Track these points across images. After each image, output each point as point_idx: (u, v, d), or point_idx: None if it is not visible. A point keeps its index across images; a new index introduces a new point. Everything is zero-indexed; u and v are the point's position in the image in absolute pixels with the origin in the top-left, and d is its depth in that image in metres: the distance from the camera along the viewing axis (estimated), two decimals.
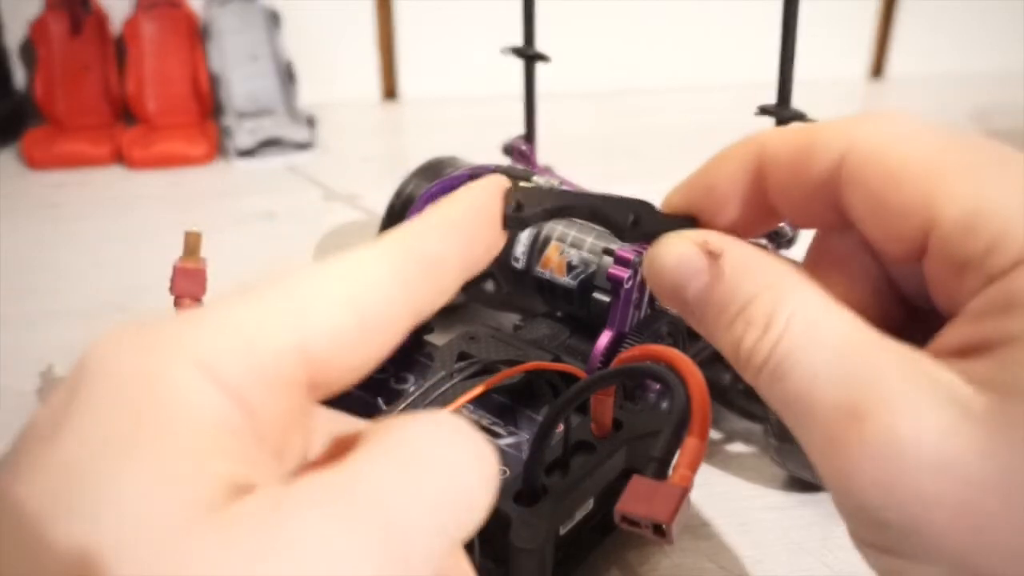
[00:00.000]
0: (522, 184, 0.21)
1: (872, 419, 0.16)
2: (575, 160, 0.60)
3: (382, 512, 0.13)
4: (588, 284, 0.46)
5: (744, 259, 0.19)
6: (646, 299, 0.44)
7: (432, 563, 0.14)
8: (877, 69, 1.07)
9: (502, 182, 0.21)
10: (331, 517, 0.13)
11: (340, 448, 0.17)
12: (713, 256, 0.19)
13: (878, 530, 0.16)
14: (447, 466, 0.15)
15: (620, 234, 0.21)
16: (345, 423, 0.18)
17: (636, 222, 0.21)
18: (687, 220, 0.21)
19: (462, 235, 0.19)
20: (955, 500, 0.15)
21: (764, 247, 0.21)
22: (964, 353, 0.17)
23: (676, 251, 0.20)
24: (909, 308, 0.21)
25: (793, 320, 0.18)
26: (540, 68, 0.54)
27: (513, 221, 0.20)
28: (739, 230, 0.21)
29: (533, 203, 0.21)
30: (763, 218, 0.21)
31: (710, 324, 0.20)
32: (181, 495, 0.12)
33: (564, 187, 0.53)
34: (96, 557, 0.12)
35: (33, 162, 0.82)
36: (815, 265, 0.21)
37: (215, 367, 0.14)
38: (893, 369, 0.16)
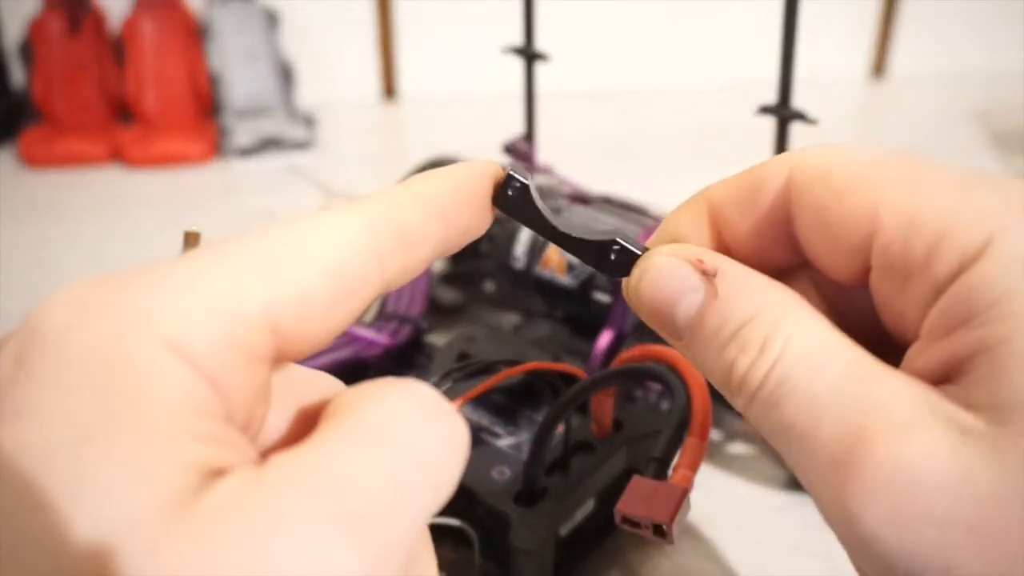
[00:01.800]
0: (523, 180, 0.20)
1: (881, 442, 0.15)
2: (575, 160, 0.60)
3: (357, 497, 0.13)
4: (588, 284, 0.46)
5: (740, 279, 0.19)
6: None
7: (407, 544, 0.14)
8: (878, 68, 1.07)
9: (494, 168, 0.20)
10: (305, 506, 0.12)
11: (307, 421, 0.16)
12: (708, 275, 0.19)
13: (884, 561, 0.16)
14: (419, 445, 0.14)
15: (599, 269, 0.21)
16: (307, 380, 0.17)
17: (614, 257, 0.20)
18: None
19: (443, 212, 0.18)
20: (967, 519, 0.15)
21: None
22: (939, 380, 0.16)
23: (668, 269, 0.19)
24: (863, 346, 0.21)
25: (791, 343, 0.17)
26: (540, 68, 0.54)
27: (504, 201, 0.20)
28: None
29: (518, 206, 0.20)
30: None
31: (700, 348, 0.19)
32: (152, 486, 0.12)
33: (565, 185, 0.53)
34: (67, 558, 0.11)
35: (31, 161, 0.82)
36: None
37: (181, 341, 0.13)
38: (897, 394, 0.16)
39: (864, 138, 0.87)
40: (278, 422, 0.16)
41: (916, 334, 0.17)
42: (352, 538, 0.13)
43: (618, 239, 0.20)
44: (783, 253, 0.20)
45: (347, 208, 0.17)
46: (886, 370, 0.17)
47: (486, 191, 0.20)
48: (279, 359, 0.15)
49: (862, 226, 0.17)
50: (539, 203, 0.20)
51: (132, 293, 0.14)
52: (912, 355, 0.17)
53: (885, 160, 0.18)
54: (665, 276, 0.19)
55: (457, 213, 0.19)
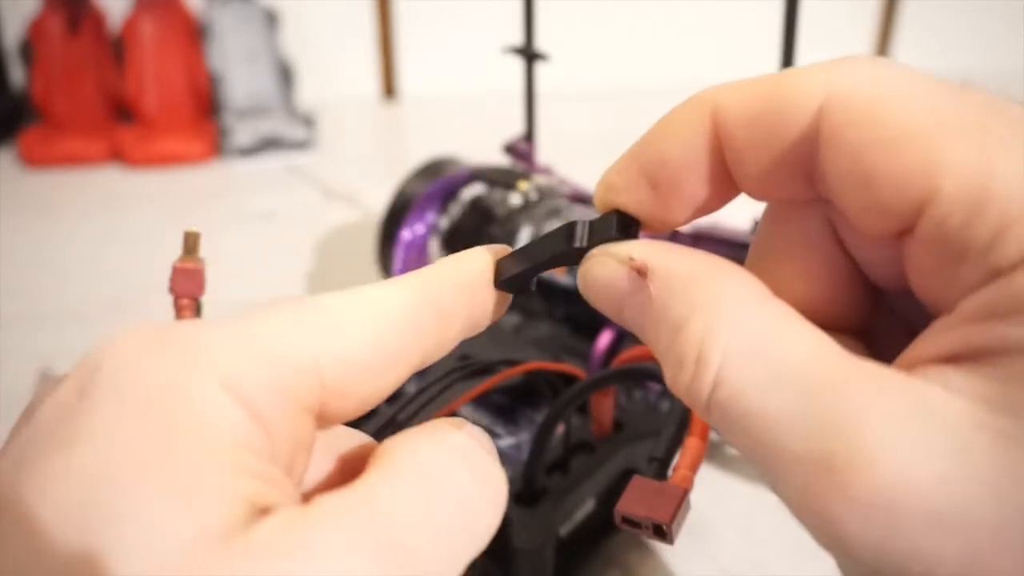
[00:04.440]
0: (498, 258, 0.20)
1: (854, 471, 0.13)
2: (575, 160, 0.60)
3: (397, 536, 0.13)
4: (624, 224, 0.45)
5: (671, 276, 0.16)
6: None
7: None
8: None
9: (492, 252, 0.20)
10: (348, 541, 0.13)
11: (348, 467, 0.17)
12: (640, 273, 0.16)
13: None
14: (457, 491, 0.15)
15: (576, 261, 0.19)
16: (346, 438, 0.18)
17: (579, 255, 0.18)
18: (612, 217, 0.18)
19: (468, 292, 0.18)
20: (959, 552, 0.13)
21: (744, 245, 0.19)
22: (955, 359, 0.14)
23: (601, 272, 0.17)
24: (874, 294, 0.18)
25: (731, 352, 0.15)
26: (540, 67, 0.54)
27: (504, 286, 0.20)
28: (697, 207, 0.17)
29: (510, 271, 0.19)
30: (723, 191, 0.17)
31: (653, 350, 0.17)
32: (203, 516, 0.12)
33: (563, 188, 0.53)
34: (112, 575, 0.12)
35: (31, 161, 0.82)
36: (764, 248, 0.18)
37: (236, 382, 0.14)
38: (872, 402, 0.14)
39: None
40: (316, 473, 0.17)
41: (948, 305, 0.14)
42: (391, 567, 0.13)
43: (576, 223, 0.18)
44: (798, 187, 0.16)
45: (392, 283, 0.17)
46: (856, 369, 0.14)
47: (490, 270, 0.19)
48: (322, 418, 0.16)
49: (912, 191, 0.14)
50: (513, 255, 0.19)
51: (192, 336, 0.14)
52: (936, 328, 0.15)
53: (948, 100, 0.14)
54: (600, 281, 0.17)
55: (482, 292, 0.19)
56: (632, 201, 0.17)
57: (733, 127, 0.16)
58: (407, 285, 0.17)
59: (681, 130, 0.17)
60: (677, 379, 0.15)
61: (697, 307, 0.15)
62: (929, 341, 0.15)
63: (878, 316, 0.18)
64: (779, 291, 0.16)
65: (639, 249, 0.17)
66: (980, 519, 0.13)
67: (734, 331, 0.15)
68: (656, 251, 0.16)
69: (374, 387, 0.16)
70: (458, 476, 0.15)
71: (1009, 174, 0.13)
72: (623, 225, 0.18)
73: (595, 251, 0.17)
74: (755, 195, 0.17)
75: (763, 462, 0.15)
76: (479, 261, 0.19)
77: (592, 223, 0.18)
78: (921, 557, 0.13)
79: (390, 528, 0.13)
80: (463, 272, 0.18)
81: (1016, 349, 0.13)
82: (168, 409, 0.13)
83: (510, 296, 0.20)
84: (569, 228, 0.18)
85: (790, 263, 0.17)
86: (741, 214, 0.20)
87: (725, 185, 0.17)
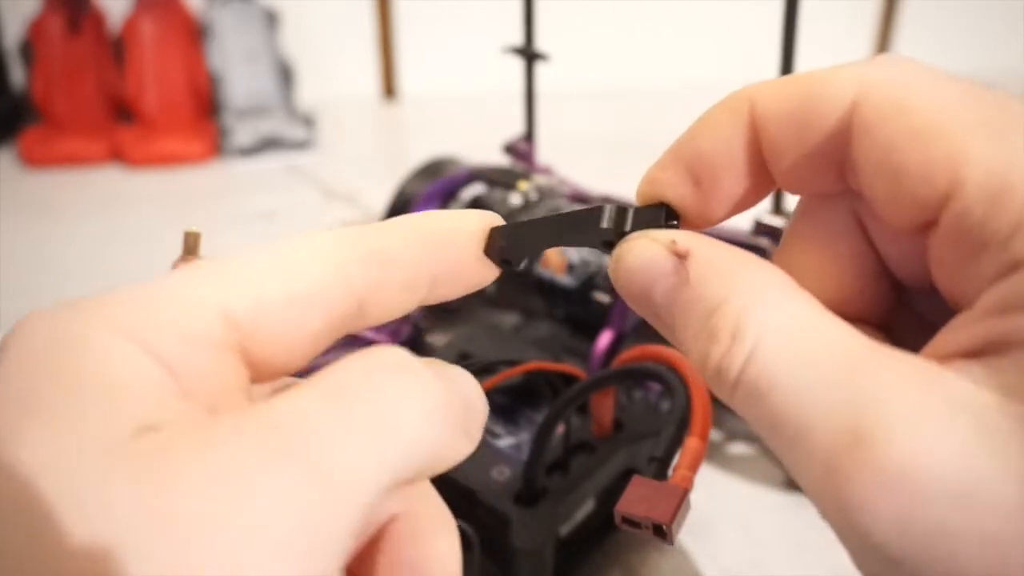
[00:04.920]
0: (504, 224, 0.19)
1: (880, 445, 0.14)
2: (575, 160, 0.60)
3: (304, 442, 0.13)
4: (588, 284, 0.46)
5: (711, 260, 0.17)
6: None
7: (366, 498, 0.14)
8: None
9: (490, 218, 0.19)
10: (245, 446, 0.13)
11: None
12: (680, 257, 0.17)
13: (890, 566, 0.14)
14: (381, 399, 0.14)
15: (605, 246, 0.19)
16: None
17: (608, 245, 0.19)
18: (661, 210, 0.19)
19: (422, 239, 0.18)
20: (982, 530, 0.13)
21: (763, 250, 0.20)
22: (977, 353, 0.14)
23: (641, 252, 0.18)
24: (896, 289, 0.18)
25: (767, 332, 0.15)
26: (540, 67, 0.54)
27: (494, 256, 0.19)
28: (736, 201, 0.18)
29: (517, 243, 0.19)
30: (760, 185, 0.18)
31: (680, 335, 0.17)
32: (84, 434, 0.13)
33: (562, 185, 0.53)
34: (4, 493, 0.12)
35: (31, 161, 0.82)
36: (795, 239, 0.19)
37: (131, 327, 0.14)
38: (898, 383, 0.14)
39: None
40: None
41: (968, 302, 0.15)
42: (297, 479, 0.13)
43: (604, 207, 0.19)
44: (830, 179, 0.17)
45: (322, 231, 0.17)
46: (884, 353, 0.15)
47: (476, 232, 0.19)
48: (256, 367, 0.16)
49: (938, 181, 0.15)
50: (527, 221, 0.19)
51: (95, 299, 0.15)
52: (958, 323, 0.15)
53: (973, 97, 0.15)
54: (638, 261, 0.18)
55: (442, 244, 0.18)
56: (675, 196, 0.18)
57: (770, 122, 0.17)
58: (340, 232, 0.17)
59: (720, 126, 0.18)
60: (710, 354, 0.16)
61: (735, 289, 0.16)
62: (950, 336, 0.15)
63: (899, 313, 0.18)
64: (806, 281, 0.17)
65: (679, 235, 0.17)
66: (1005, 498, 0.13)
67: (770, 311, 0.15)
68: (696, 239, 0.17)
69: (297, 329, 0.16)
70: (380, 386, 0.14)
71: None
72: (668, 217, 0.19)
73: (635, 234, 0.18)
74: (790, 188, 0.18)
75: (785, 440, 0.15)
76: (461, 221, 0.19)
77: (638, 210, 0.19)
78: (946, 535, 0.13)
79: (298, 433, 0.13)
80: (429, 226, 0.18)
81: None
82: (58, 354, 0.14)
83: (496, 268, 0.20)
84: (598, 210, 0.19)
85: (819, 254, 0.18)
86: (741, 215, 0.20)
87: (762, 179, 0.18)
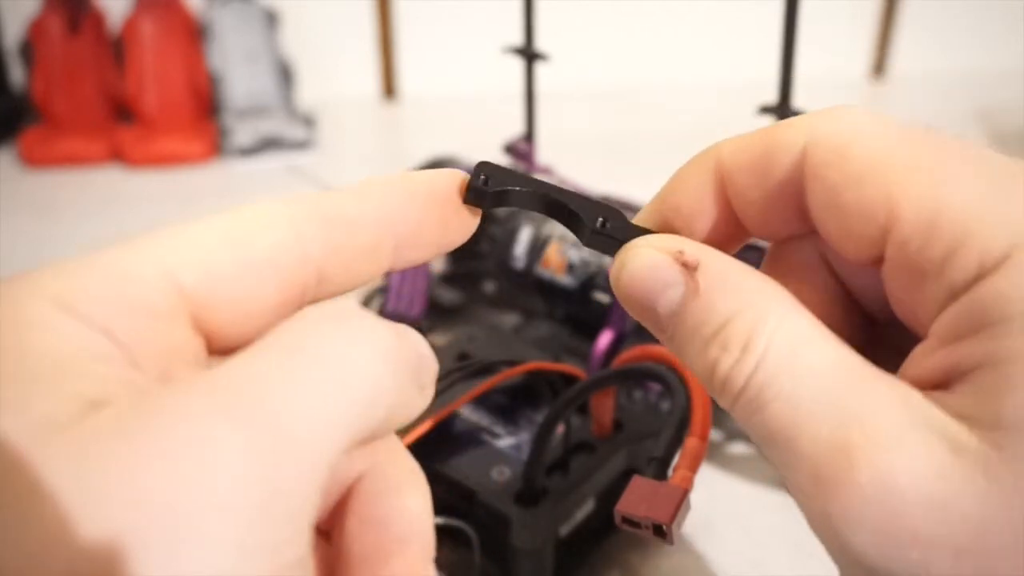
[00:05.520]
0: (492, 164, 0.20)
1: (866, 457, 0.15)
2: (575, 160, 0.60)
3: (256, 403, 0.13)
4: (588, 284, 0.46)
5: (722, 273, 0.17)
6: None
7: (327, 455, 0.13)
8: (878, 68, 1.07)
9: (458, 173, 0.20)
10: (196, 414, 0.12)
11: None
12: (689, 268, 0.17)
13: (870, 574, 0.15)
14: (331, 351, 0.14)
15: (581, 235, 0.19)
16: None
17: (604, 225, 0.19)
18: (648, 230, 0.19)
19: (385, 200, 0.18)
20: (955, 542, 0.14)
21: (763, 250, 0.20)
22: (940, 384, 0.16)
23: (647, 260, 0.18)
24: (868, 323, 0.20)
25: (774, 344, 0.16)
26: (541, 67, 0.54)
27: (475, 193, 0.19)
28: (711, 243, 0.19)
29: (500, 181, 0.19)
30: (733, 233, 0.19)
31: (683, 344, 0.18)
32: (31, 415, 0.12)
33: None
34: None
35: (31, 161, 0.82)
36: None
37: (71, 300, 0.14)
38: (885, 404, 0.15)
39: None
40: None
41: (925, 330, 0.16)
42: (240, 425, 0.12)
43: (608, 216, 0.19)
44: (793, 223, 0.18)
45: (275, 198, 0.17)
46: (874, 374, 0.16)
47: (449, 190, 0.19)
48: (211, 336, 0.16)
49: (878, 217, 0.16)
50: (518, 171, 0.20)
51: (34, 273, 0.15)
52: (917, 354, 0.16)
53: (909, 141, 0.16)
54: (645, 270, 0.18)
55: (408, 204, 0.18)
56: None
57: (734, 174, 0.18)
58: (294, 197, 0.17)
59: (691, 181, 0.19)
60: (719, 363, 0.17)
61: (746, 302, 0.17)
62: (913, 368, 0.16)
63: (872, 343, 0.19)
64: None
65: (687, 244, 0.18)
66: (976, 514, 0.14)
67: (780, 326, 0.16)
68: (704, 250, 0.18)
69: (251, 297, 0.16)
70: (329, 338, 0.14)
71: (958, 202, 0.15)
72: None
73: (638, 241, 0.19)
74: (760, 235, 0.19)
75: (781, 446, 0.16)
76: (427, 176, 0.19)
77: (633, 226, 0.19)
78: (922, 546, 0.14)
79: (248, 394, 0.13)
80: (376, 184, 0.18)
81: (979, 363, 0.15)
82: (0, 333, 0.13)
83: (475, 218, 0.19)
84: (599, 207, 0.19)
85: (791, 291, 0.19)
86: None
87: (735, 228, 0.19)
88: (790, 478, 0.16)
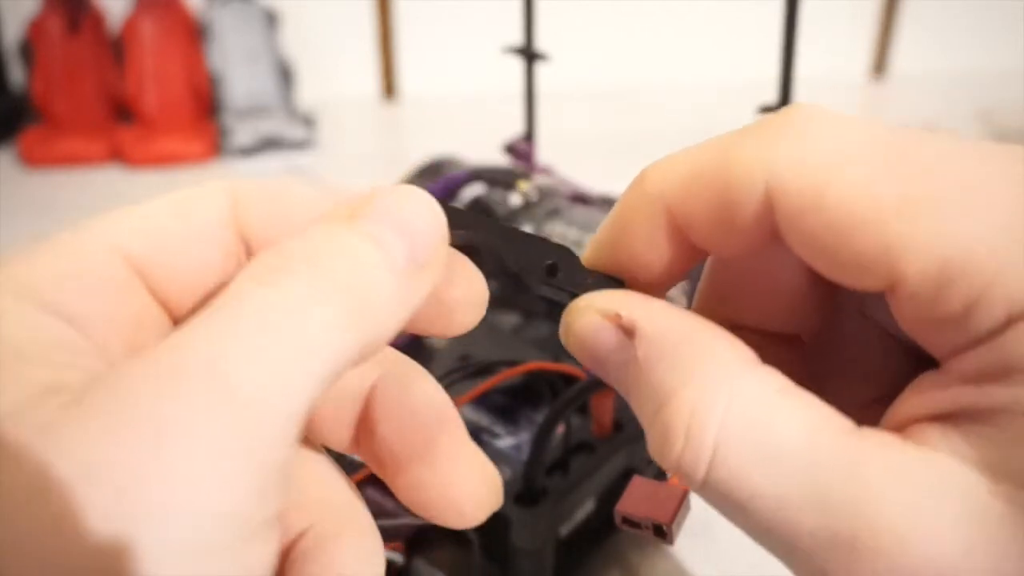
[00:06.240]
0: (451, 205, 0.19)
1: (877, 552, 0.13)
2: (575, 160, 0.60)
3: (211, 370, 0.12)
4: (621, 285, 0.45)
5: (659, 338, 0.15)
6: None
7: (289, 410, 0.13)
8: (878, 68, 1.07)
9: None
10: (142, 387, 0.12)
11: None
12: (627, 332, 0.16)
13: None
14: (286, 302, 0.13)
15: (529, 281, 0.18)
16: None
17: (552, 270, 0.17)
18: (604, 276, 0.18)
19: (333, 195, 0.17)
20: None
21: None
22: (952, 419, 0.14)
23: (587, 324, 0.16)
24: (832, 298, 0.18)
25: (728, 431, 0.14)
26: (540, 67, 0.54)
27: None
28: (674, 276, 0.17)
29: (459, 223, 0.17)
30: (695, 257, 0.17)
31: (637, 413, 0.16)
32: None
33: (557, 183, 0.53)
34: None
35: (31, 161, 0.82)
36: (719, 267, 0.18)
37: (24, 287, 0.14)
38: (884, 479, 0.13)
39: None
40: None
41: (938, 357, 0.14)
42: (198, 394, 0.12)
43: (557, 259, 0.17)
44: (773, 246, 0.16)
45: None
46: (857, 439, 0.14)
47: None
48: (169, 298, 0.16)
49: (878, 271, 0.14)
50: (473, 215, 0.18)
51: None
52: (926, 384, 0.14)
53: (893, 166, 0.14)
54: (588, 335, 0.16)
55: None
56: (612, 272, 0.18)
57: (692, 226, 0.16)
58: (240, 179, 0.17)
59: (642, 231, 0.17)
60: (664, 452, 0.15)
61: (686, 376, 0.15)
62: (923, 396, 0.14)
63: (848, 317, 0.18)
64: (739, 299, 0.17)
65: (626, 304, 0.16)
66: None
67: (729, 406, 0.14)
68: (643, 308, 0.16)
69: (198, 263, 0.16)
70: (283, 289, 0.13)
71: (970, 243, 0.13)
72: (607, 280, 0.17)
73: (579, 301, 0.17)
74: (725, 255, 0.17)
75: (773, 543, 0.14)
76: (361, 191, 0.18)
77: (579, 262, 0.18)
78: None
79: (199, 361, 0.12)
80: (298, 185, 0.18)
81: (1011, 410, 0.13)
82: None
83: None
84: (558, 251, 0.18)
85: (748, 278, 0.17)
86: None
87: (692, 255, 0.17)
88: (795, 572, 0.15)
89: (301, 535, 0.16)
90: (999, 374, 0.13)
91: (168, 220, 0.16)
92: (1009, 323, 0.13)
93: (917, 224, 0.13)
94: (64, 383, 0.13)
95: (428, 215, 0.15)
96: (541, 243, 0.18)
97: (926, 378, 0.15)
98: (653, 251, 0.17)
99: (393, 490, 0.17)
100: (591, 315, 0.16)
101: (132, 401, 0.12)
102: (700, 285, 0.19)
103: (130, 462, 0.12)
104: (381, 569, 0.16)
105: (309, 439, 0.17)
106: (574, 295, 0.17)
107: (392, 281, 0.14)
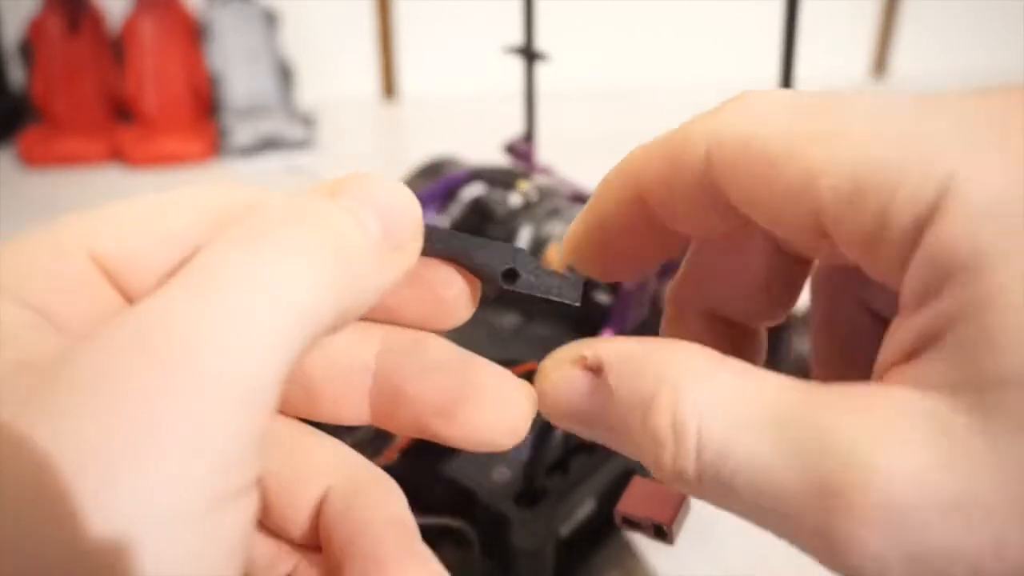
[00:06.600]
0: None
1: (853, 488, 0.13)
2: (575, 160, 0.60)
3: (173, 345, 0.12)
4: (588, 284, 0.45)
5: (626, 359, 0.16)
6: (646, 299, 0.44)
7: (268, 378, 0.13)
8: (878, 67, 1.07)
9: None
10: (106, 358, 0.12)
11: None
12: (596, 370, 0.16)
13: None
14: (253, 273, 0.13)
15: (491, 286, 0.18)
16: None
17: (511, 275, 0.18)
18: (566, 275, 0.18)
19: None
20: (993, 543, 0.12)
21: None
22: (913, 354, 0.14)
23: (557, 379, 0.17)
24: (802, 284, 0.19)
25: (705, 410, 0.15)
26: (540, 67, 0.54)
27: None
28: (647, 260, 0.19)
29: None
30: (667, 241, 0.18)
31: (626, 447, 0.16)
32: None
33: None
34: None
35: (31, 161, 0.82)
36: (699, 257, 0.19)
37: (2, 281, 0.14)
38: (847, 418, 0.14)
39: None
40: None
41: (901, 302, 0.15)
42: (161, 369, 0.12)
43: (516, 261, 0.18)
44: (726, 220, 0.17)
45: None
46: (821, 391, 0.14)
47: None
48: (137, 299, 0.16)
49: (805, 203, 0.14)
50: (439, 229, 0.18)
51: None
52: (893, 328, 0.15)
53: (811, 109, 0.15)
54: (556, 388, 0.17)
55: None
56: (595, 271, 0.19)
57: (650, 187, 0.17)
58: (216, 184, 0.17)
59: (612, 198, 0.18)
60: (661, 459, 0.15)
61: (660, 379, 0.15)
62: (890, 342, 0.15)
63: (847, 306, 0.19)
64: (710, 286, 0.18)
65: (588, 345, 0.17)
66: (992, 497, 0.12)
67: (701, 389, 0.15)
68: (604, 343, 0.16)
69: (167, 267, 0.16)
70: (250, 259, 0.13)
71: (877, 153, 0.14)
72: (578, 279, 0.18)
73: (545, 362, 0.18)
74: (696, 236, 0.18)
75: (773, 516, 0.14)
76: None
77: (536, 263, 0.18)
78: (960, 555, 0.13)
79: (162, 335, 0.12)
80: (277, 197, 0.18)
81: (953, 319, 0.13)
82: None
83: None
84: (514, 253, 0.18)
85: (720, 267, 0.18)
86: None
87: (667, 242, 0.18)
88: (799, 545, 0.14)
89: (324, 499, 0.17)
90: (934, 287, 0.13)
91: (141, 222, 0.16)
92: (920, 228, 0.13)
93: (829, 147, 0.14)
94: (37, 358, 0.13)
95: (403, 201, 0.16)
96: (496, 248, 0.18)
97: (893, 323, 0.15)
98: (626, 234, 0.18)
99: (440, 440, 0.17)
100: (560, 367, 0.17)
101: (106, 372, 0.12)
102: (679, 272, 0.20)
103: (106, 435, 0.12)
104: (404, 502, 0.17)
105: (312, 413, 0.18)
106: (539, 298, 0.18)
107: (369, 248, 0.15)
